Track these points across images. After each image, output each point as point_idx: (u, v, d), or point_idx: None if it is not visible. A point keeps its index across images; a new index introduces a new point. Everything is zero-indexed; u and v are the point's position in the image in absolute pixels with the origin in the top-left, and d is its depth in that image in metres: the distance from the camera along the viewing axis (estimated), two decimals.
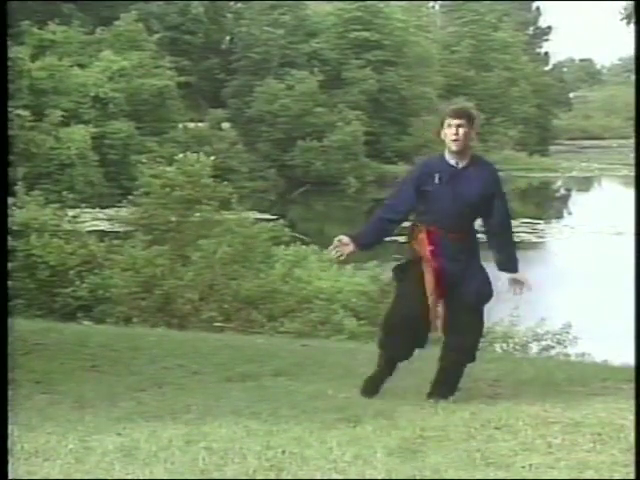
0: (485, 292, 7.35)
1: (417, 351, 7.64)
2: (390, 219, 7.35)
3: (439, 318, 7.27)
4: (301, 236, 23.60)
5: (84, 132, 52.07)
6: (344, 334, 16.75)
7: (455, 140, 7.12)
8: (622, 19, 13.81)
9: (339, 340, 15.38)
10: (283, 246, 21.16)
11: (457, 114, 7.16)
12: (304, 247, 22.04)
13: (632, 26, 13.86)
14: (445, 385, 7.34)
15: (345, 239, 7.36)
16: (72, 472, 5.48)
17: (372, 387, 7.50)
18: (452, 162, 7.21)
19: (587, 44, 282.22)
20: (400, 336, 7.33)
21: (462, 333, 7.28)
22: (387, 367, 7.51)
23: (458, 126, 7.11)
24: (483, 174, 7.26)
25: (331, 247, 7.47)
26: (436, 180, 7.17)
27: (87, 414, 7.01)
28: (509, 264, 7.41)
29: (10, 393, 6.59)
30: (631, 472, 5.39)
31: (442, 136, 7.22)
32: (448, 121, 7.15)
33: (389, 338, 7.43)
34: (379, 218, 7.40)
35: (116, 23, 62.34)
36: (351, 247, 7.35)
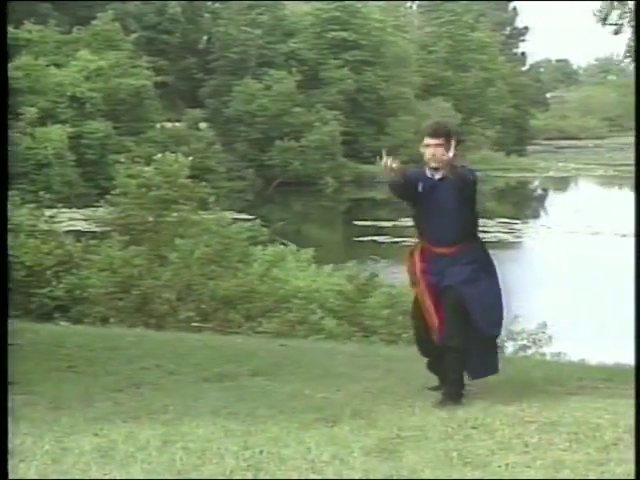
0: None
1: (393, 352, 7.67)
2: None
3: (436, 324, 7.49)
4: (283, 240, 23.56)
5: (61, 132, 51.89)
6: (322, 334, 16.74)
7: (432, 159, 7.42)
8: (598, 21, 13.85)
9: (317, 340, 15.38)
10: (261, 246, 21.15)
11: (434, 134, 7.41)
12: (282, 247, 22.04)
13: (608, 27, 13.91)
14: (447, 386, 7.40)
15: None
16: (48, 473, 5.46)
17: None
18: (429, 174, 7.49)
19: (563, 44, 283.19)
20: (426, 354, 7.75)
21: (455, 334, 7.35)
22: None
23: (436, 145, 7.36)
24: (459, 184, 7.38)
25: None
26: (419, 189, 7.44)
27: (63, 415, 6.99)
28: None
29: None
30: (606, 471, 5.42)
31: (421, 150, 7.50)
32: (426, 140, 7.42)
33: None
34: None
35: (93, 23, 62.14)
36: (397, 167, 7.43)
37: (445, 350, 7.37)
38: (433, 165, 7.42)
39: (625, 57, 14.25)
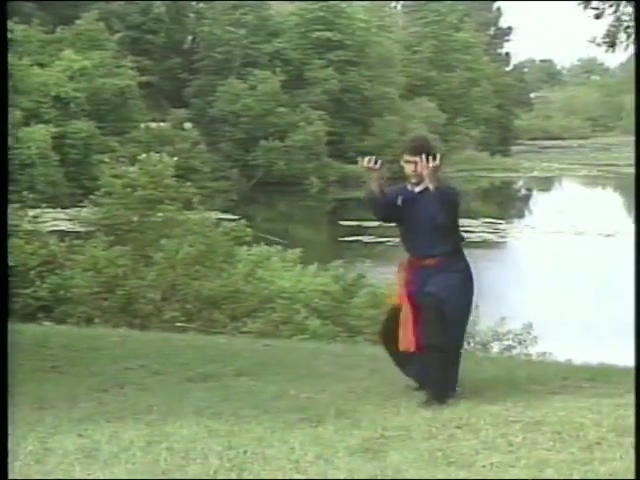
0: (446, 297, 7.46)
1: (378, 352, 7.68)
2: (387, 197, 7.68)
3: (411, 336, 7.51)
4: (270, 237, 23.54)
5: (45, 132, 51.76)
6: (307, 334, 16.74)
7: (412, 175, 7.51)
8: (579, 4, 13.78)
9: (302, 340, 15.37)
10: (245, 246, 21.14)
11: (414, 151, 7.48)
12: (267, 247, 22.02)
13: (590, 19, 13.89)
14: (431, 386, 7.39)
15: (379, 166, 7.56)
16: (32, 473, 5.44)
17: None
18: (409, 187, 7.59)
19: (547, 45, 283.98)
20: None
21: (431, 333, 7.36)
22: None
23: (416, 162, 7.43)
24: (440, 197, 7.39)
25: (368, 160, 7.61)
26: (399, 202, 7.54)
27: (47, 415, 6.97)
28: None
29: None
30: (590, 470, 5.43)
31: (402, 164, 7.55)
32: (406, 157, 7.50)
33: None
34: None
35: (77, 22, 62.01)
36: (379, 173, 7.54)
37: (427, 350, 7.36)
38: (414, 181, 7.52)
39: (603, 42, 14.25)
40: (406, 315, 7.51)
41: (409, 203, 7.51)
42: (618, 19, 13.81)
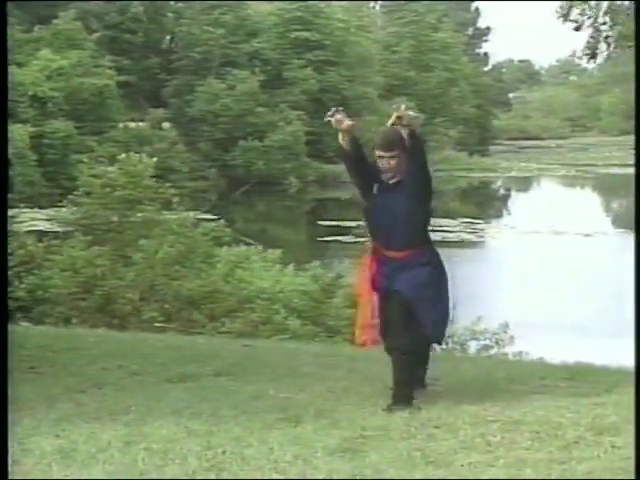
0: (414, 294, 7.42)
1: (357, 352, 7.68)
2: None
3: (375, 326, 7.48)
4: (248, 240, 23.51)
5: (22, 131, 51.55)
6: (286, 334, 16.75)
7: (387, 169, 7.42)
8: (559, 17, 13.92)
9: (281, 340, 15.37)
10: (225, 246, 21.13)
11: (386, 147, 7.39)
12: (246, 247, 22.02)
13: (569, 25, 14.01)
14: (396, 388, 7.34)
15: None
16: (9, 474, 5.41)
17: None
18: (384, 178, 7.48)
19: (525, 45, 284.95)
20: None
21: (396, 333, 7.34)
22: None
23: (389, 157, 7.37)
24: (413, 188, 7.37)
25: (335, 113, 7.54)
26: (374, 190, 7.46)
27: (25, 416, 6.93)
28: None
29: None
30: (568, 469, 5.45)
31: (375, 158, 7.48)
32: (379, 152, 7.42)
33: None
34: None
35: (54, 21, 61.80)
36: (348, 123, 7.50)
37: (390, 351, 7.35)
38: (389, 175, 7.43)
39: (584, 54, 14.39)
40: (366, 306, 7.47)
41: (382, 193, 7.42)
42: (597, 30, 13.93)
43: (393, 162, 7.35)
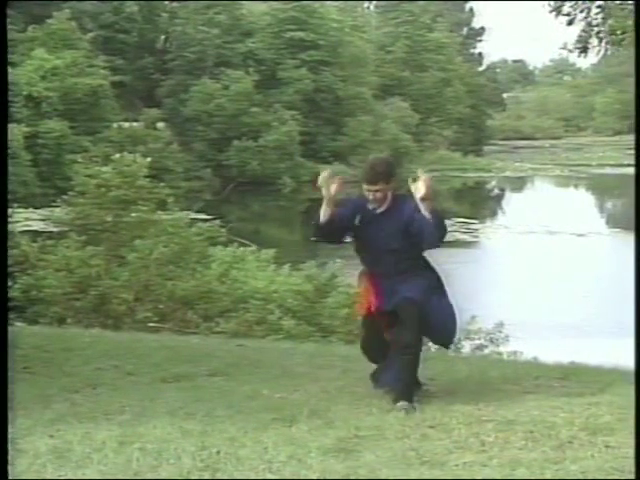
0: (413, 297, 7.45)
1: (351, 351, 7.69)
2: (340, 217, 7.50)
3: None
4: (241, 240, 23.50)
5: (16, 131, 51.40)
6: (280, 334, 16.75)
7: (374, 200, 7.37)
8: (551, 12, 13.95)
9: (275, 340, 15.36)
10: (220, 246, 21.13)
11: (372, 181, 7.31)
12: (241, 248, 22.02)
13: (563, 24, 14.03)
14: (404, 386, 7.35)
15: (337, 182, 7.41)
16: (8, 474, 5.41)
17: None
18: (370, 207, 7.42)
19: (519, 45, 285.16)
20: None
21: (412, 334, 7.37)
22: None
23: (376, 190, 7.31)
24: (400, 214, 7.35)
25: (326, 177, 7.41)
26: (357, 221, 7.41)
27: (19, 416, 6.92)
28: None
29: None
30: (561, 469, 5.46)
31: (364, 190, 7.40)
32: (365, 186, 7.34)
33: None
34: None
35: (49, 21, 61.70)
36: (334, 189, 7.36)
37: (403, 351, 7.33)
38: (376, 205, 7.38)
39: (575, 48, 14.42)
40: (379, 324, 7.53)
41: (368, 223, 7.38)
42: (589, 25, 13.96)
43: (379, 195, 7.31)
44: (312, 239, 7.81)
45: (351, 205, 7.48)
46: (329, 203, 7.38)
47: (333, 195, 7.34)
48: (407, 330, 7.33)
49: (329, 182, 7.36)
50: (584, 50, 14.46)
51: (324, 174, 7.41)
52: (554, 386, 8.00)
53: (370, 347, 7.74)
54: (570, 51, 14.56)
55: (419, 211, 7.33)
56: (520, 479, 5.34)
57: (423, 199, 7.27)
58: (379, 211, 7.39)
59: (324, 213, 7.40)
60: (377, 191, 7.30)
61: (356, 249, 7.63)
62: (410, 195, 7.53)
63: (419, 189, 7.27)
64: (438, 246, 7.46)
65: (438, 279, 7.61)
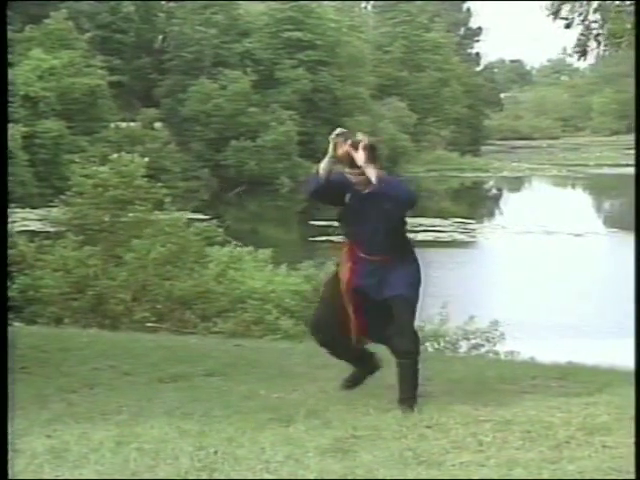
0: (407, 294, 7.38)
1: None
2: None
3: (354, 325, 7.40)
4: (236, 242, 23.47)
5: (14, 131, 51.41)
6: (278, 334, 16.76)
7: (357, 183, 7.27)
8: (549, 15, 13.94)
9: (273, 340, 15.37)
10: (217, 246, 21.13)
11: (353, 165, 7.21)
12: (238, 248, 22.01)
13: (560, 24, 14.03)
14: (412, 391, 7.30)
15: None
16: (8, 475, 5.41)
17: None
18: (358, 188, 7.33)
19: (517, 45, 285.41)
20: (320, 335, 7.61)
21: (411, 336, 7.32)
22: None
23: (357, 174, 7.22)
24: (387, 196, 7.24)
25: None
26: (347, 199, 7.35)
27: (16, 416, 6.92)
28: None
29: None
30: (559, 469, 5.46)
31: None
32: (348, 170, 7.25)
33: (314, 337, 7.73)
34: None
35: (46, 21, 61.67)
36: (341, 151, 7.33)
37: (406, 355, 7.27)
38: (361, 187, 7.30)
39: (574, 52, 14.41)
40: (347, 305, 7.38)
41: (357, 202, 7.32)
42: (587, 28, 13.95)
43: (361, 177, 7.22)
44: (307, 196, 7.59)
45: (345, 180, 7.39)
46: (330, 162, 7.34)
47: (337, 156, 7.30)
48: (405, 336, 7.25)
49: (339, 141, 7.32)
50: (583, 53, 14.47)
51: (338, 131, 7.38)
52: (551, 386, 8.01)
53: (326, 327, 7.50)
54: (570, 55, 14.60)
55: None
56: (517, 479, 5.34)
57: (366, 164, 7.16)
58: (366, 192, 7.28)
59: (324, 168, 7.35)
60: (360, 174, 7.22)
61: (342, 225, 7.53)
62: (397, 178, 7.52)
63: (359, 157, 7.16)
64: (415, 204, 7.36)
65: (418, 270, 7.49)
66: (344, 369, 8.36)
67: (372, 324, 7.40)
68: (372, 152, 7.22)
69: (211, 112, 67.53)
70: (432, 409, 6.89)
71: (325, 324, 7.52)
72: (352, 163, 7.22)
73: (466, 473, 5.45)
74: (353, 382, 7.66)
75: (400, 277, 7.32)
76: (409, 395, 7.17)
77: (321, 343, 7.64)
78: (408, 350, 7.24)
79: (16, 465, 5.57)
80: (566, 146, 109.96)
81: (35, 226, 31.90)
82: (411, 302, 7.34)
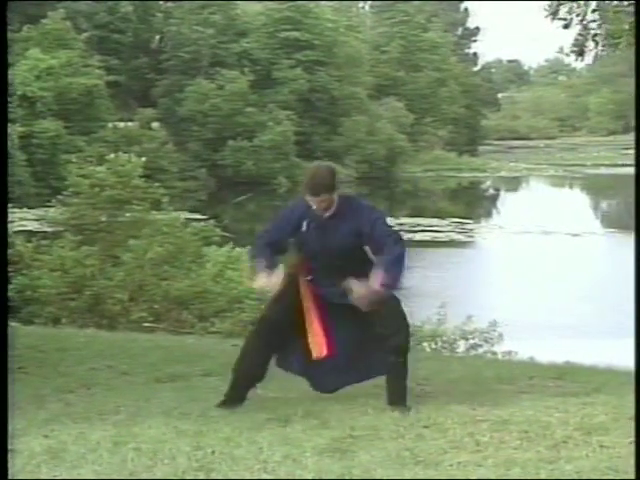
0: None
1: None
2: (270, 244, 7.37)
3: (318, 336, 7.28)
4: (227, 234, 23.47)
5: (11, 131, 51.40)
6: None
7: (318, 208, 7.14)
8: (547, 15, 13.95)
9: None
10: (214, 246, 21.12)
11: (315, 192, 7.07)
12: (237, 248, 22.00)
13: (557, 24, 14.04)
14: (405, 387, 7.26)
15: (263, 275, 7.35)
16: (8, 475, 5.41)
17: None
18: (318, 213, 7.20)
19: (514, 45, 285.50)
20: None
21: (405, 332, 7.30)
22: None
23: (320, 201, 7.09)
24: (350, 221, 7.16)
25: (263, 283, 7.41)
26: (304, 227, 7.21)
27: (13, 416, 6.92)
28: (389, 281, 7.08)
29: None
30: (556, 469, 5.46)
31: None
32: (309, 197, 7.11)
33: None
34: (270, 248, 7.36)
35: (43, 21, 61.69)
36: (267, 280, 7.36)
37: (403, 352, 7.26)
38: (321, 212, 7.15)
39: (571, 52, 14.43)
40: (312, 318, 7.29)
41: (316, 227, 7.17)
42: (585, 28, 13.97)
43: (323, 204, 7.10)
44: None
45: (294, 217, 7.27)
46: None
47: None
48: (397, 333, 7.22)
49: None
50: (580, 54, 14.47)
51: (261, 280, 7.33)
52: (549, 386, 8.01)
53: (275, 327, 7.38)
54: (567, 55, 14.58)
55: (376, 222, 7.15)
56: (515, 479, 5.34)
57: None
58: (327, 215, 7.16)
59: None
60: (322, 202, 7.10)
61: (302, 252, 7.35)
62: (356, 197, 7.41)
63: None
64: (376, 226, 7.14)
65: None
66: None
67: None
68: (332, 179, 7.11)
69: (208, 112, 67.55)
70: (430, 409, 6.89)
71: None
72: (313, 191, 7.05)
73: (463, 473, 5.46)
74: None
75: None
76: (401, 396, 7.18)
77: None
78: (398, 346, 7.16)
79: (13, 465, 5.57)
80: (563, 146, 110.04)
81: (32, 226, 31.92)
82: (397, 299, 7.29)
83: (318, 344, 7.25)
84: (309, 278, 7.29)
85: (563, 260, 37.19)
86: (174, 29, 72.05)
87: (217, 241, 21.69)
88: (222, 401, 7.36)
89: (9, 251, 18.59)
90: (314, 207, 7.11)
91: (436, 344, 17.58)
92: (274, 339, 7.37)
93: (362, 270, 7.14)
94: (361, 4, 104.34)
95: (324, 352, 7.23)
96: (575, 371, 8.95)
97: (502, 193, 75.82)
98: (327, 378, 7.46)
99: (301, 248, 7.34)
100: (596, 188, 75.56)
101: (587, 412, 6.68)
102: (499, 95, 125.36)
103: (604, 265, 36.51)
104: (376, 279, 6.95)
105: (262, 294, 18.53)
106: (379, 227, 7.16)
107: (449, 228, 47.43)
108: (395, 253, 7.08)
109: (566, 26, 13.95)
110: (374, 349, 7.29)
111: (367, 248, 7.25)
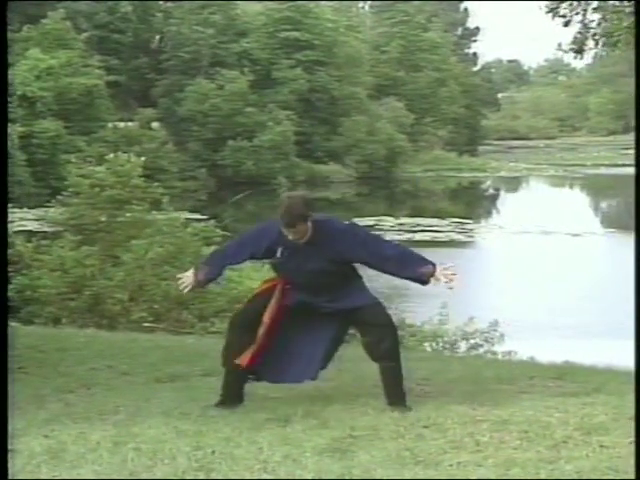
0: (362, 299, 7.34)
1: (346, 351, 7.69)
2: (225, 265, 7.63)
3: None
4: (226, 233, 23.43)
5: (11, 131, 51.39)
6: None
7: (294, 238, 7.15)
8: (547, 12, 13.94)
9: None
10: (215, 246, 21.09)
11: (291, 224, 7.07)
12: None
13: (558, 25, 14.05)
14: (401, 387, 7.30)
15: (188, 273, 7.63)
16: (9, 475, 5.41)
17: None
18: (293, 239, 7.20)
19: (514, 45, 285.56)
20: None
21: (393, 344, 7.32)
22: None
23: (294, 232, 7.10)
24: (326, 248, 7.15)
25: (180, 281, 7.70)
26: (278, 254, 7.24)
27: (13, 416, 6.92)
28: (420, 271, 7.28)
29: None
30: (556, 469, 5.46)
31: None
32: (284, 227, 7.11)
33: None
34: (220, 259, 7.61)
35: (43, 21, 61.67)
36: (191, 280, 7.61)
37: (385, 357, 7.24)
38: (296, 240, 7.16)
39: (570, 49, 14.45)
40: (261, 330, 7.32)
41: (292, 254, 7.20)
42: (585, 26, 13.97)
43: (297, 235, 7.11)
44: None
45: (262, 243, 7.32)
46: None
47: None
48: (384, 340, 7.21)
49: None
50: (580, 51, 14.48)
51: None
52: (549, 386, 8.01)
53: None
54: (565, 52, 14.59)
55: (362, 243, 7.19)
56: (515, 479, 5.34)
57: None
58: (303, 241, 7.17)
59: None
60: (296, 232, 7.11)
61: (280, 276, 7.41)
62: (331, 219, 7.39)
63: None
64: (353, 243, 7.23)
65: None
66: (341, 369, 8.35)
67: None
68: (305, 209, 7.11)
69: (208, 112, 67.53)
70: (430, 409, 6.89)
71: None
72: (288, 222, 7.06)
73: (463, 473, 5.46)
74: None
75: (353, 290, 7.29)
76: (400, 397, 7.18)
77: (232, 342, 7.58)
78: (388, 350, 7.21)
79: (13, 465, 5.57)
80: (563, 146, 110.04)
81: (32, 226, 31.91)
82: (381, 304, 7.35)
83: (247, 354, 7.32)
84: (288, 287, 7.33)
85: (563, 260, 37.17)
86: (174, 29, 72.04)
87: (217, 241, 21.67)
88: (219, 400, 7.37)
89: (9, 251, 18.58)
90: (290, 237, 7.13)
91: (437, 344, 17.57)
92: (245, 334, 7.40)
93: (345, 284, 7.27)
94: (361, 4, 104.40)
95: (244, 363, 7.31)
96: (575, 371, 8.94)
97: (502, 193, 75.78)
98: (303, 369, 7.50)
99: (277, 271, 7.41)
100: (596, 188, 75.54)
101: (587, 412, 6.68)
102: (499, 95, 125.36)
103: (604, 265, 36.50)
104: (423, 268, 7.26)
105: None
106: (371, 243, 7.25)
107: (449, 228, 47.39)
108: (402, 248, 7.39)
109: (566, 24, 13.95)
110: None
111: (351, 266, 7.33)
